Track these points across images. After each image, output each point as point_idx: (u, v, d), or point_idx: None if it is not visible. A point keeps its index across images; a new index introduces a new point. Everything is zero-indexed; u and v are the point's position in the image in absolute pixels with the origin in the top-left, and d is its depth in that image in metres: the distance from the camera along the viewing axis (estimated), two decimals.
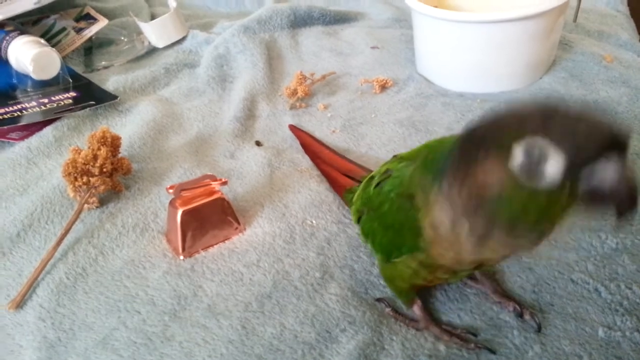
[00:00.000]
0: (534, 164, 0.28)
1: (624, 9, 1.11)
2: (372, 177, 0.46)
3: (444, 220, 0.35)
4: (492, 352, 0.43)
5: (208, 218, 0.54)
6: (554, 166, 0.28)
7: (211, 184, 0.54)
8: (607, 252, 0.51)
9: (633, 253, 0.51)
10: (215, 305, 0.48)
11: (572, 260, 0.50)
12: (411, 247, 0.39)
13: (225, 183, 0.55)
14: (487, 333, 0.44)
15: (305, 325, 0.45)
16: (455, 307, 0.47)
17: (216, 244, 0.54)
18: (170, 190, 0.53)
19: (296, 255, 0.52)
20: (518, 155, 0.28)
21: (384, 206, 0.41)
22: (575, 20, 0.88)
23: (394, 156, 0.47)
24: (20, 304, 0.50)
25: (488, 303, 0.47)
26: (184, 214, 0.52)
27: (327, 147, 0.68)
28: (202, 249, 0.54)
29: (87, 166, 0.58)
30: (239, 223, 0.56)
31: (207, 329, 0.46)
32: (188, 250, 0.53)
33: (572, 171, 0.28)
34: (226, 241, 0.55)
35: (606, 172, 0.27)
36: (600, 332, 0.44)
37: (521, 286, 0.48)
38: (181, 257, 0.53)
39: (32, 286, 0.51)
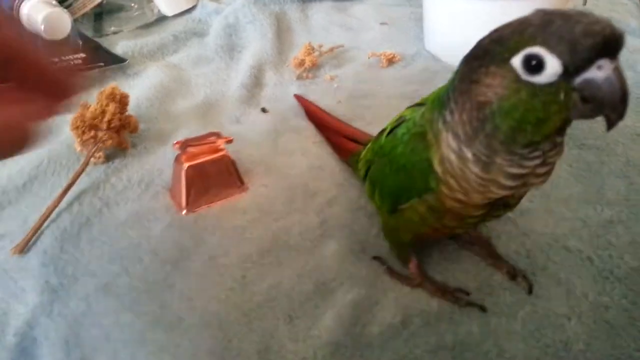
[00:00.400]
0: (532, 71, 0.30)
1: None
2: (383, 130, 0.46)
3: (449, 153, 0.36)
4: (483, 309, 0.44)
5: (212, 175, 0.55)
6: (550, 71, 0.29)
7: (216, 142, 0.55)
8: (602, 223, 0.52)
9: (627, 225, 0.52)
10: (216, 257, 0.49)
11: (567, 230, 0.51)
12: (421, 189, 0.39)
13: (230, 141, 0.56)
14: (479, 293, 0.45)
15: (303, 277, 0.46)
16: (450, 267, 0.48)
17: (219, 201, 0.55)
18: (177, 146, 0.53)
19: (297, 214, 0.53)
20: (516, 64, 0.30)
21: (396, 149, 0.41)
22: (585, 3, 0.87)
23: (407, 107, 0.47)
24: (24, 249, 0.51)
25: (482, 265, 0.48)
26: (189, 169, 0.53)
27: (332, 116, 0.69)
28: (205, 205, 0.55)
29: (95, 121, 0.59)
30: (242, 182, 0.57)
31: (207, 278, 0.47)
32: (191, 205, 0.54)
33: (568, 75, 0.29)
34: (229, 199, 0.56)
35: (598, 77, 0.29)
36: (590, 297, 0.45)
37: (516, 251, 0.49)
38: (184, 212, 0.54)
39: (36, 233, 0.53)
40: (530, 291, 0.45)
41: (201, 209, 0.55)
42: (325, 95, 0.76)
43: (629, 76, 0.77)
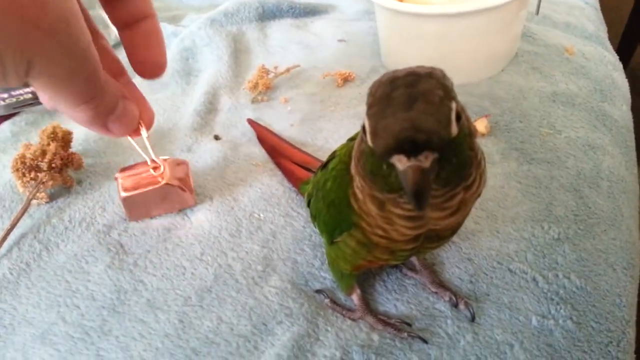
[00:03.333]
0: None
1: (593, 1, 1.11)
2: (327, 161, 0.46)
3: (357, 190, 0.36)
4: (424, 341, 0.43)
5: (153, 202, 0.55)
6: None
7: (148, 171, 0.54)
8: (548, 242, 0.51)
9: (574, 242, 0.51)
10: (154, 300, 0.48)
11: (512, 251, 0.50)
12: (348, 224, 0.39)
13: (157, 168, 0.55)
14: (421, 322, 0.45)
15: (242, 318, 0.46)
16: (392, 297, 0.47)
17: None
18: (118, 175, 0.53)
19: (240, 248, 0.52)
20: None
21: (327, 184, 0.41)
22: (537, 13, 0.88)
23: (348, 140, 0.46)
24: None
25: (425, 293, 0.47)
26: (126, 199, 0.53)
27: (285, 141, 0.68)
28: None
29: (36, 161, 0.58)
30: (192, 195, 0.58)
31: (144, 323, 0.46)
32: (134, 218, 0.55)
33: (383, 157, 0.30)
34: (172, 232, 0.55)
35: (397, 167, 0.30)
36: (534, 321, 0.45)
37: (459, 277, 0.48)
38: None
39: None
40: (472, 319, 0.45)
41: (143, 245, 0.54)
42: (280, 118, 0.75)
43: (583, 84, 0.77)
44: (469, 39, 0.75)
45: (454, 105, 0.31)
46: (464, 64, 0.78)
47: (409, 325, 0.45)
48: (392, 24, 0.80)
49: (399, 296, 0.47)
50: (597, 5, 1.11)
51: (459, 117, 0.31)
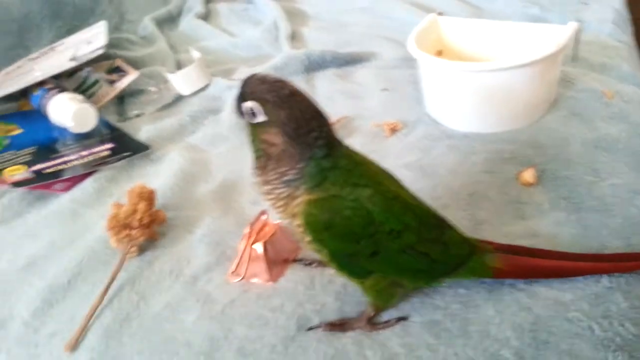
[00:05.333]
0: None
1: (628, 39, 1.14)
2: None
3: None
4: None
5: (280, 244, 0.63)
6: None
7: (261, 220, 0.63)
8: (601, 291, 0.55)
9: (626, 291, 0.55)
10: (244, 347, 0.54)
11: (568, 300, 0.54)
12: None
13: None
14: None
15: None
16: (458, 343, 0.52)
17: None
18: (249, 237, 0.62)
19: (316, 300, 0.58)
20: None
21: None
22: (573, 60, 0.92)
23: None
24: (74, 346, 0.57)
25: (489, 340, 0.51)
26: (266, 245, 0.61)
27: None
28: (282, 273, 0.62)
29: (128, 220, 0.66)
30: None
31: None
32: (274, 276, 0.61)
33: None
34: (252, 286, 0.61)
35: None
36: None
37: (520, 325, 0.53)
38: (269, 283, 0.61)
39: (84, 330, 0.58)
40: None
41: (227, 295, 0.60)
42: None
43: (623, 129, 0.83)
44: (509, 90, 0.81)
45: (253, 104, 0.46)
46: (505, 112, 0.83)
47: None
48: (433, 77, 0.86)
49: (465, 341, 0.52)
50: (632, 42, 1.14)
51: (253, 114, 0.47)
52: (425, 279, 0.54)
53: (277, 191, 0.49)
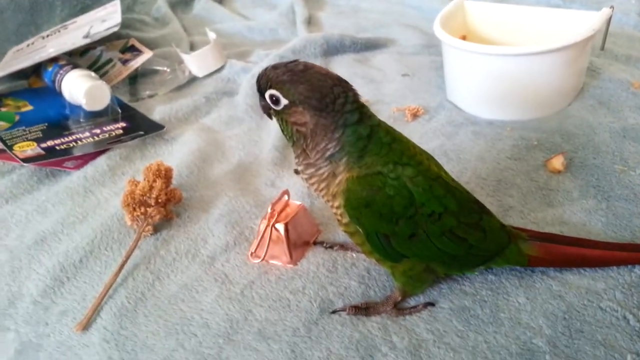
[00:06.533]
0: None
1: None
2: None
3: None
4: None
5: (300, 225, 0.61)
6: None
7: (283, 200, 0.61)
8: (634, 281, 0.53)
9: None
10: (265, 330, 0.52)
11: (600, 289, 0.52)
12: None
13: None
14: (521, 357, 0.47)
15: (350, 350, 0.49)
16: (491, 330, 0.50)
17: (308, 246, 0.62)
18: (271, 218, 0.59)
19: (339, 283, 0.56)
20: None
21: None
22: (602, 48, 0.89)
23: None
24: (86, 326, 0.55)
25: (522, 328, 0.49)
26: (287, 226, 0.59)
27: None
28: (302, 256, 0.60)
29: (144, 197, 0.64)
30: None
31: (258, 352, 0.50)
32: (294, 258, 0.59)
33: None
34: (272, 267, 0.59)
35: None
36: (629, 359, 0.46)
37: (552, 313, 0.51)
38: (289, 266, 0.59)
39: (96, 309, 0.56)
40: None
41: (246, 276, 0.58)
42: None
43: None
44: (537, 76, 0.78)
45: (273, 91, 0.46)
46: (532, 99, 0.81)
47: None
48: (459, 61, 0.83)
49: (496, 329, 0.50)
50: None
51: (276, 100, 0.46)
52: (462, 266, 0.52)
53: (320, 171, 0.48)
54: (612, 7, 0.82)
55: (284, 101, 0.46)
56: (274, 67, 0.47)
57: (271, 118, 0.50)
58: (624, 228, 0.60)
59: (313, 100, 0.45)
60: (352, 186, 0.46)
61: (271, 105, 0.47)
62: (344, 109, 0.45)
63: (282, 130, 0.49)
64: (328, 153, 0.47)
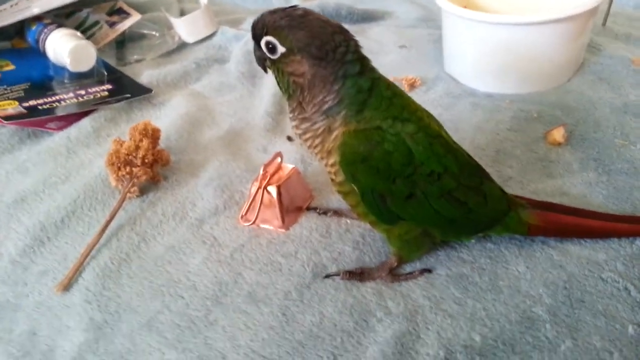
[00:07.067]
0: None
1: None
2: None
3: None
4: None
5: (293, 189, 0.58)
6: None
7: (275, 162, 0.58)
8: (635, 252, 0.52)
9: None
10: (255, 293, 0.50)
11: (601, 260, 0.51)
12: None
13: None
14: (521, 325, 0.46)
15: (343, 314, 0.47)
16: (490, 297, 0.48)
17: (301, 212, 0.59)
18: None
19: (332, 249, 0.54)
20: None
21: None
22: (604, 24, 0.88)
23: None
24: (67, 286, 0.52)
25: (521, 296, 0.48)
26: (279, 189, 0.56)
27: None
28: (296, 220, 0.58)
29: (130, 157, 0.61)
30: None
31: (248, 315, 0.48)
32: (287, 223, 0.57)
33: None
34: (263, 231, 0.57)
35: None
36: (630, 330, 0.45)
37: (553, 282, 0.49)
38: (282, 230, 0.57)
39: (78, 270, 0.54)
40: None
41: (236, 239, 0.56)
42: None
43: None
44: (538, 48, 0.76)
45: (269, 38, 0.43)
46: (533, 72, 0.79)
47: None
48: (459, 30, 0.81)
49: (495, 296, 0.48)
50: None
51: (272, 48, 0.43)
52: (460, 231, 0.50)
53: (316, 126, 0.45)
54: None
55: (280, 49, 0.43)
56: (272, 11, 0.43)
57: (266, 71, 0.47)
58: (624, 201, 0.59)
59: (312, 47, 0.42)
60: (349, 140, 0.44)
61: (267, 54, 0.44)
62: (344, 59, 0.42)
63: (278, 82, 0.46)
64: (326, 106, 0.44)
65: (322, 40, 0.42)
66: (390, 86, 0.46)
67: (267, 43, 0.43)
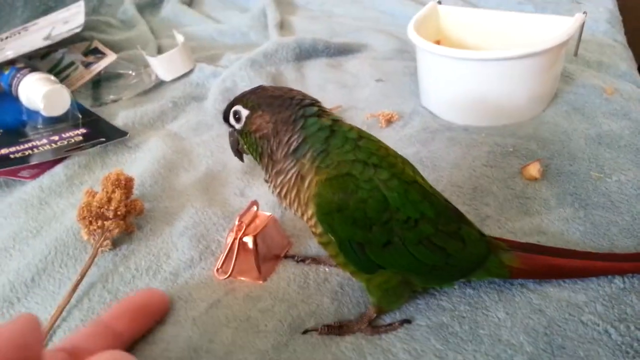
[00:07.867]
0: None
1: (622, 38, 1.13)
2: None
3: None
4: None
5: (270, 238, 0.57)
6: None
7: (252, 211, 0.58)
8: (615, 292, 0.52)
9: None
10: (231, 354, 0.48)
11: (581, 302, 0.51)
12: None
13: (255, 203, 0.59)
14: None
15: None
16: (470, 349, 0.47)
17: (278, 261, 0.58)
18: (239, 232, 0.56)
19: (311, 301, 0.53)
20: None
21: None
22: (576, 54, 0.89)
23: None
24: None
25: (502, 345, 0.47)
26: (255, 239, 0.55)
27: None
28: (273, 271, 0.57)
29: (102, 210, 0.59)
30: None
31: None
32: (264, 274, 0.56)
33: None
34: (244, 283, 0.56)
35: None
36: None
37: (533, 328, 0.49)
38: (260, 282, 0.56)
39: (48, 333, 0.52)
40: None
41: (212, 294, 0.54)
42: None
43: (625, 125, 0.78)
44: (512, 82, 0.77)
45: (235, 107, 0.48)
46: (506, 105, 0.79)
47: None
48: (433, 66, 0.82)
49: (475, 347, 0.47)
50: (626, 43, 1.13)
51: (238, 117, 0.48)
52: (440, 278, 0.50)
53: (289, 175, 0.46)
54: (585, 12, 0.82)
55: (244, 112, 0.47)
56: (240, 94, 0.49)
57: (242, 159, 0.54)
58: (601, 237, 0.59)
59: (271, 99, 0.46)
60: (323, 190, 0.44)
61: (235, 125, 0.49)
62: (302, 103, 0.46)
63: (250, 152, 0.49)
64: (292, 147, 0.45)
65: (280, 94, 0.47)
66: (353, 129, 0.47)
67: (234, 113, 0.48)
